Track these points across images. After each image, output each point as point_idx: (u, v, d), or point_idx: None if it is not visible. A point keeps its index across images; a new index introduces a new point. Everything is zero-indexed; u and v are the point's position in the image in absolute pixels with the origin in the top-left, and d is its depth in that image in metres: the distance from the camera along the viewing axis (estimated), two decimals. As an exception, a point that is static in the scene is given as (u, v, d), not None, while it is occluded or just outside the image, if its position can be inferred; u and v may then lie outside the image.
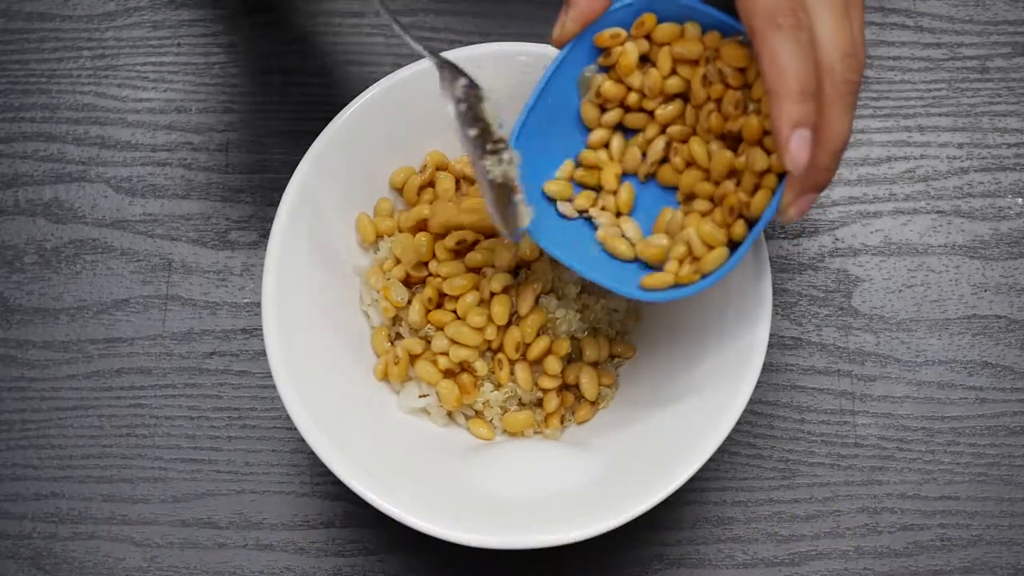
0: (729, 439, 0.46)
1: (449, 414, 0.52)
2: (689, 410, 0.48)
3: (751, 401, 0.46)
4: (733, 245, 0.44)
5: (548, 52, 0.51)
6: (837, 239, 0.59)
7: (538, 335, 0.50)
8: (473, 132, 0.44)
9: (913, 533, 0.55)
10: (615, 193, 0.48)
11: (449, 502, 0.47)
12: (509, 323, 0.50)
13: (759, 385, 0.47)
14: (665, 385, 0.50)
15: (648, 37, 0.46)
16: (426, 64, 0.51)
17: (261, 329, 0.49)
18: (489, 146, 0.45)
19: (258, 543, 0.55)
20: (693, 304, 0.51)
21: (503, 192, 0.45)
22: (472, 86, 0.45)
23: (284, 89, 0.61)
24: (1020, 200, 0.59)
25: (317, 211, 0.50)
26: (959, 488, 0.55)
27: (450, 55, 0.51)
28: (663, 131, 0.47)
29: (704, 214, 0.45)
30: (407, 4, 0.62)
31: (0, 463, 0.56)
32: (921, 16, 0.62)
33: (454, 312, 0.51)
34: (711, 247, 0.44)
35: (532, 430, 0.52)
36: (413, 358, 0.51)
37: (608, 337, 0.53)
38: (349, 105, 0.51)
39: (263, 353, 0.48)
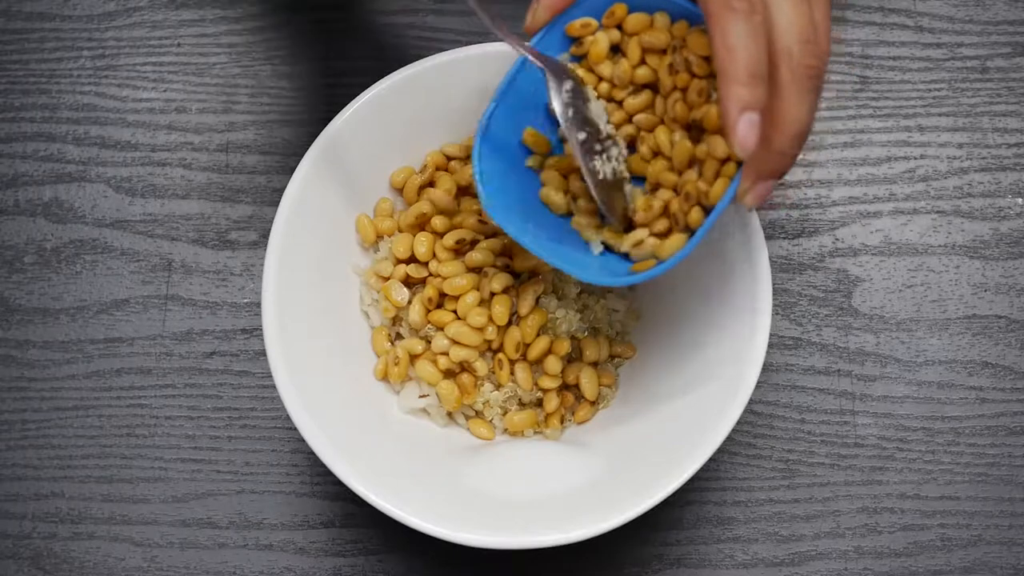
0: (729, 439, 0.46)
1: (449, 414, 0.52)
2: (689, 410, 0.48)
3: (751, 401, 0.47)
4: (694, 232, 0.44)
5: (548, 52, 0.51)
6: (837, 239, 0.59)
7: (538, 335, 0.50)
8: (582, 136, 0.45)
9: (913, 533, 0.55)
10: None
11: (449, 502, 0.47)
12: (509, 323, 0.50)
13: (759, 385, 0.47)
14: (665, 385, 0.50)
15: (619, 27, 0.46)
16: (426, 64, 0.51)
17: (261, 329, 0.49)
18: (597, 146, 0.45)
19: (258, 543, 0.55)
20: (693, 304, 0.51)
21: (613, 186, 0.45)
22: (578, 88, 0.45)
23: (284, 89, 0.61)
24: (1020, 200, 0.59)
25: (317, 211, 0.50)
26: (959, 488, 0.55)
27: (449, 55, 0.51)
28: (630, 120, 0.47)
29: (666, 202, 0.45)
30: (407, 4, 0.62)
31: (0, 463, 0.56)
32: (921, 16, 0.62)
33: (454, 312, 0.51)
34: (667, 235, 0.44)
35: (532, 430, 0.52)
36: (413, 358, 0.51)
37: (608, 337, 0.53)
38: (349, 105, 0.51)
39: (263, 353, 0.48)
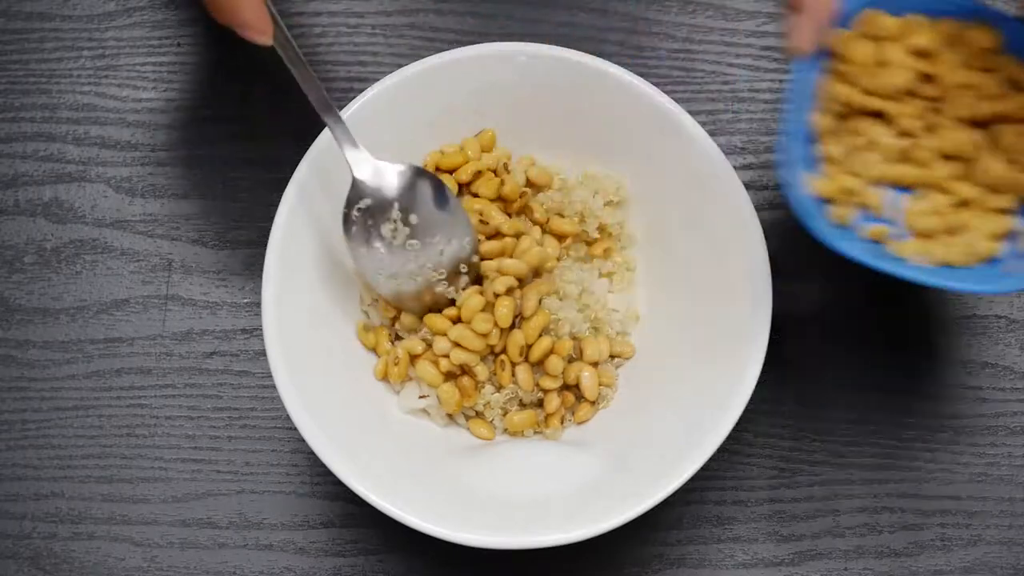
0: (729, 438, 0.46)
1: (449, 414, 0.52)
2: (689, 409, 0.48)
3: (751, 400, 0.46)
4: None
5: (547, 52, 0.51)
6: (837, 239, 0.59)
7: (540, 336, 0.50)
8: (363, 250, 0.49)
9: (913, 533, 0.55)
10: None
11: (449, 502, 0.47)
12: (512, 325, 0.50)
13: (759, 384, 0.47)
14: (665, 385, 0.51)
15: (874, 34, 0.45)
16: (426, 64, 0.51)
17: (261, 329, 0.49)
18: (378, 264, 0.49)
19: (258, 543, 0.55)
20: (692, 304, 0.51)
21: (404, 296, 0.49)
22: (375, 209, 0.49)
23: (284, 89, 0.61)
24: (1020, 200, 0.59)
25: (317, 211, 0.50)
26: (959, 488, 0.55)
27: (449, 55, 0.51)
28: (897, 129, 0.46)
29: (970, 203, 0.44)
30: (407, 4, 0.62)
31: (0, 463, 0.56)
32: (921, 16, 0.62)
33: (453, 316, 0.51)
34: None
35: (532, 430, 0.52)
36: (413, 358, 0.51)
37: (608, 337, 0.53)
38: (349, 105, 0.51)
39: (263, 353, 0.48)
